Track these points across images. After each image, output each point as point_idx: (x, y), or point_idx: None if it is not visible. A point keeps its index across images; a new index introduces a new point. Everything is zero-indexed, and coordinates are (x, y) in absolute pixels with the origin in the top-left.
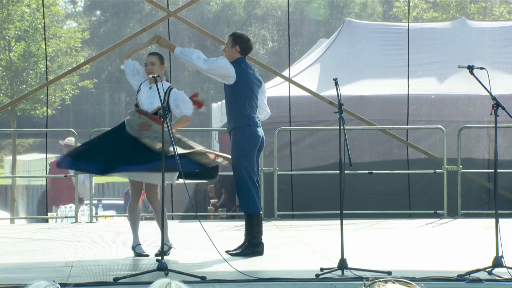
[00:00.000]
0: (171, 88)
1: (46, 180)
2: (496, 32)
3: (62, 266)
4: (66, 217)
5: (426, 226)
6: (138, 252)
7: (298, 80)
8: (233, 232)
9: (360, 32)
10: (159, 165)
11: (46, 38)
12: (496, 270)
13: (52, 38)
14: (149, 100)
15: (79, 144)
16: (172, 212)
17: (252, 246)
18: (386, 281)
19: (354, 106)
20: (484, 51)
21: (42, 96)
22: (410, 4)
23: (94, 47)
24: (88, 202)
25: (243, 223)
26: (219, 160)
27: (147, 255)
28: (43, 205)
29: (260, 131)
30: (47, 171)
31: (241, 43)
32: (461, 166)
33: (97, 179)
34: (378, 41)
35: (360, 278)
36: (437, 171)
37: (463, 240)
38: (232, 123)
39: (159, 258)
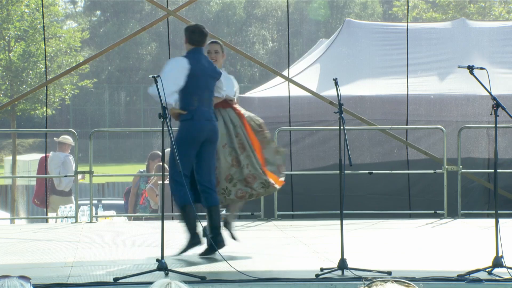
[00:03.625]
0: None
1: (46, 179)
2: (496, 32)
3: (62, 266)
4: (66, 217)
5: (426, 226)
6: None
7: (298, 80)
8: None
9: (360, 32)
10: None
11: (45, 38)
12: (496, 270)
13: (51, 38)
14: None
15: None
16: (172, 212)
17: (188, 239)
18: (385, 281)
19: (354, 106)
20: (483, 51)
21: (41, 96)
22: (410, 4)
23: (94, 47)
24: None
25: (243, 223)
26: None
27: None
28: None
29: (209, 124)
30: (43, 167)
31: (186, 34)
32: (461, 166)
33: (97, 179)
34: (378, 41)
35: (360, 278)
36: (437, 171)
37: (463, 240)
38: (181, 116)
39: (159, 258)
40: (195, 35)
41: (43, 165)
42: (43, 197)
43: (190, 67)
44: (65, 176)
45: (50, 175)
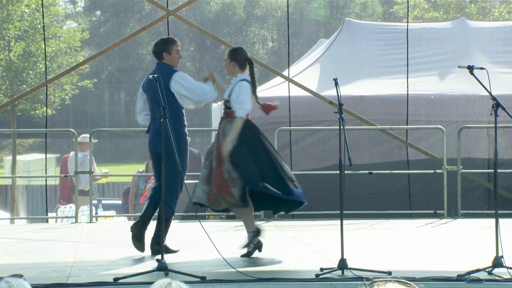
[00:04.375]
0: (241, 80)
1: (46, 179)
2: (496, 32)
3: (62, 266)
4: (66, 217)
5: (426, 226)
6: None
7: (298, 80)
8: (233, 232)
9: (360, 32)
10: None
11: (45, 38)
12: (496, 270)
13: (51, 38)
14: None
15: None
16: None
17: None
18: (386, 281)
19: (354, 106)
20: (483, 51)
21: (42, 96)
22: (411, 3)
23: (94, 47)
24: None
25: (242, 223)
26: None
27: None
28: (51, 204)
29: (157, 138)
30: (58, 168)
31: None
32: (461, 166)
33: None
34: (378, 41)
35: (360, 278)
36: (437, 171)
37: (463, 240)
38: None
39: (159, 258)
40: (153, 50)
41: (64, 165)
42: (68, 197)
43: (141, 86)
44: (65, 176)
45: (50, 175)
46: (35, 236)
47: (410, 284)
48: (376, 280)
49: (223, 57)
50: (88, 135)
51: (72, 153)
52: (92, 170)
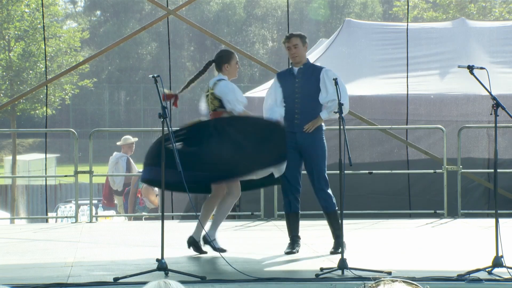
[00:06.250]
0: (221, 80)
1: (46, 179)
2: (495, 32)
3: (62, 266)
4: (66, 217)
5: (426, 226)
6: (216, 246)
7: None
8: (233, 232)
9: (360, 32)
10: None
11: (45, 38)
12: (496, 270)
13: (51, 38)
14: None
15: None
16: (172, 212)
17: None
18: (393, 280)
19: (354, 106)
20: (483, 50)
21: (42, 96)
22: (410, 4)
23: (94, 47)
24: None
25: (242, 223)
26: None
27: (224, 250)
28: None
29: (300, 135)
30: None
31: None
32: (461, 166)
33: (96, 179)
34: (378, 41)
35: (360, 278)
36: (437, 171)
37: (463, 240)
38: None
39: (159, 258)
40: None
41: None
42: (109, 197)
43: (277, 79)
44: (65, 176)
45: (50, 175)
46: (35, 236)
47: (418, 286)
48: (383, 278)
49: None
50: (130, 137)
51: (114, 153)
52: (93, 170)
